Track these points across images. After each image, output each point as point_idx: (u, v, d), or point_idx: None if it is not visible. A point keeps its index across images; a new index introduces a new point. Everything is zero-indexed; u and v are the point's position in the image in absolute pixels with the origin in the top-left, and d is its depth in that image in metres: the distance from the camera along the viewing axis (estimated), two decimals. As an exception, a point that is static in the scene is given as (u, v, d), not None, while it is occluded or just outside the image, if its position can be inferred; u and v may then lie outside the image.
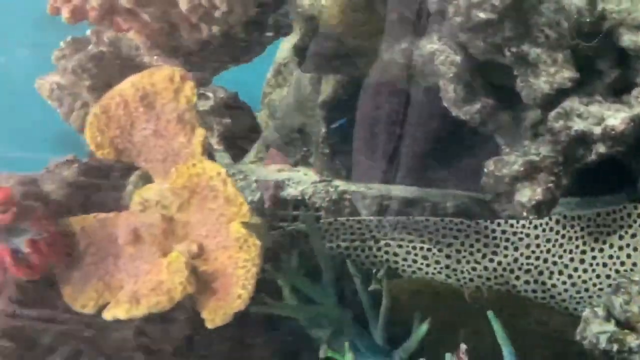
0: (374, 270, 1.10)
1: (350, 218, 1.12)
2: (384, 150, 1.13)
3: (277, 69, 1.45)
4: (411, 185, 1.10)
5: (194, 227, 0.82)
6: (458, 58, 0.96)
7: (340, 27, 1.15)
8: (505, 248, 1.06)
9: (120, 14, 0.87)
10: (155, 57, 0.95)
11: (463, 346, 0.91)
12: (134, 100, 0.84)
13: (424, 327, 0.95)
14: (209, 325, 0.79)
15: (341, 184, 1.21)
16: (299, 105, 1.38)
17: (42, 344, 0.94)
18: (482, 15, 0.92)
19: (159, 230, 0.81)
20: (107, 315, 0.79)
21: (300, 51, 1.21)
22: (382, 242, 1.11)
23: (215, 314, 0.78)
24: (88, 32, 1.10)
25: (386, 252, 1.10)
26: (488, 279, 1.07)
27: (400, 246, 1.11)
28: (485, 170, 1.03)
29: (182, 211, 0.83)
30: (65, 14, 0.86)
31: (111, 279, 0.81)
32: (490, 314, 0.93)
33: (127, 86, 0.85)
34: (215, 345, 0.95)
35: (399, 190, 1.18)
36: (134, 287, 0.79)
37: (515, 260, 1.05)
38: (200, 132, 0.83)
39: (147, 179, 0.96)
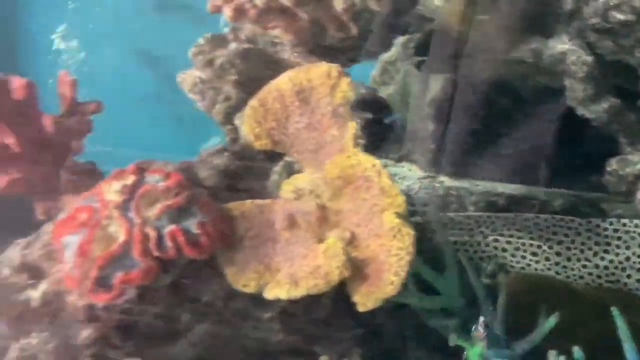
0: (483, 265, 1.13)
1: (459, 213, 1.15)
2: (505, 149, 1.16)
3: (383, 67, 1.50)
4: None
5: (346, 215, 0.87)
6: (590, 58, 0.98)
7: (458, 27, 1.18)
8: (617, 247, 1.07)
9: (274, 13, 0.92)
10: (296, 53, 1.00)
11: (482, 318, 0.93)
12: (290, 94, 0.90)
13: (552, 321, 0.98)
14: (361, 308, 0.84)
15: (447, 180, 1.24)
16: (405, 103, 1.41)
17: (181, 320, 1.01)
18: (620, 16, 0.94)
19: (314, 218, 0.86)
20: (269, 294, 0.84)
21: (416, 50, 1.24)
22: (491, 238, 1.13)
23: (367, 299, 0.83)
24: (225, 29, 1.18)
25: (495, 248, 1.13)
26: (599, 276, 1.08)
27: (509, 242, 1.13)
28: (608, 169, 1.06)
29: (334, 200, 0.88)
30: (228, 12, 0.92)
31: (270, 261, 0.86)
32: (614, 310, 0.95)
33: (284, 81, 0.90)
34: (350, 328, 1.00)
35: (505, 188, 1.20)
36: (292, 269, 0.84)
37: (627, 258, 1.06)
38: (352, 126, 0.87)
39: (290, 169, 1.02)
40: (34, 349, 1.08)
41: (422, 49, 1.27)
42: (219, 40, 1.15)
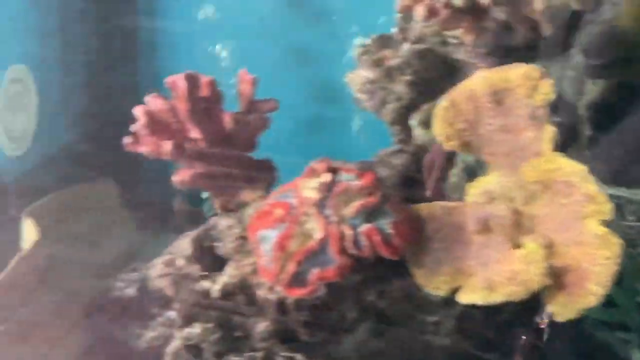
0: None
1: (621, 223, 1.10)
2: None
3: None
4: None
5: (541, 220, 0.84)
6: None
7: (632, 29, 1.12)
8: None
9: (465, 13, 0.91)
10: (473, 54, 0.99)
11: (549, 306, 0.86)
12: (484, 95, 0.88)
13: None
14: (558, 318, 0.81)
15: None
16: (556, 107, 1.37)
17: (347, 317, 1.01)
18: None
19: (508, 222, 0.84)
20: (464, 299, 0.83)
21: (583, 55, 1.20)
22: (656, 250, 1.08)
23: (566, 309, 0.80)
24: (392, 29, 1.18)
25: (660, 260, 1.07)
26: None
27: (676, 255, 1.07)
28: None
29: (528, 204, 0.85)
30: (420, 11, 0.91)
31: (461, 265, 0.85)
32: None
33: (478, 82, 0.89)
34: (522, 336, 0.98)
35: (666, 197, 1.13)
36: (486, 274, 0.83)
37: None
38: (549, 129, 0.85)
39: (469, 171, 1.00)
40: (197, 339, 1.12)
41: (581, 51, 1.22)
42: (385, 41, 1.16)
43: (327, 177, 0.85)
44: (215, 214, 1.55)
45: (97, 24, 1.94)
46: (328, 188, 0.85)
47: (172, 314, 1.17)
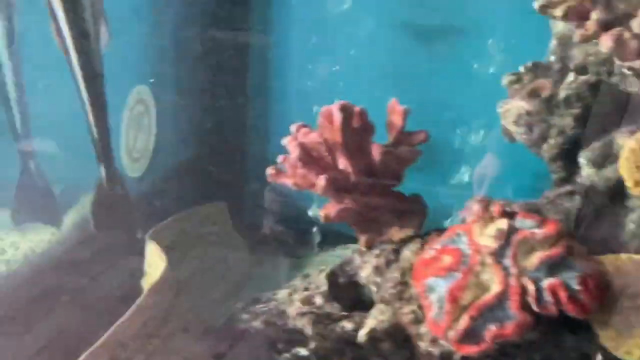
0: None
1: None
2: None
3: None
4: None
5: None
6: None
7: None
8: None
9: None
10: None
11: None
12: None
13: None
14: None
15: None
16: None
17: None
18: None
19: None
20: (663, 368, 0.74)
21: None
22: None
23: None
24: (551, 57, 1.10)
25: None
26: None
27: None
28: None
29: None
30: (608, 42, 0.82)
31: (658, 328, 0.76)
32: None
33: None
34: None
35: None
36: (689, 341, 0.74)
37: None
38: None
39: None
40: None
41: None
42: (540, 69, 1.07)
43: (505, 224, 0.78)
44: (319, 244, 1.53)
45: (211, 42, 1.95)
46: (507, 236, 0.78)
47: (300, 350, 1.13)
